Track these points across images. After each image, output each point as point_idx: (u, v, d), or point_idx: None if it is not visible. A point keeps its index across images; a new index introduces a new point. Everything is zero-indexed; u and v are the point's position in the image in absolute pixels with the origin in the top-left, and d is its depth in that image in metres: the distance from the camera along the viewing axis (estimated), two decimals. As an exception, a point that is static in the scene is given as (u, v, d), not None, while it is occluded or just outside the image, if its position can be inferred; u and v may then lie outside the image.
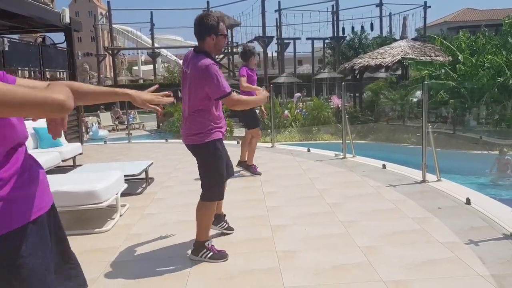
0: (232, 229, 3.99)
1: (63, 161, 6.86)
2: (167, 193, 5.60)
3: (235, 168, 6.31)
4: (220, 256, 3.40)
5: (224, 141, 3.52)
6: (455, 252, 3.29)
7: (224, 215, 3.96)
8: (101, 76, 46.57)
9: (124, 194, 4.90)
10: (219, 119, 3.36)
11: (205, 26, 3.24)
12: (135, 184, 5.80)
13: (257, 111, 6.91)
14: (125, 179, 4.98)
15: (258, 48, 31.71)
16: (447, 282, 2.86)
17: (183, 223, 4.28)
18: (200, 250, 3.37)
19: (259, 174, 6.39)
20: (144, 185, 5.89)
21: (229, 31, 32.87)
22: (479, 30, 17.25)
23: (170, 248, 3.67)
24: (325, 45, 37.31)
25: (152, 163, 6.22)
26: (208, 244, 3.40)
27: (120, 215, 4.56)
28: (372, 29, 37.39)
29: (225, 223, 3.95)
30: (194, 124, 3.28)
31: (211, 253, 3.38)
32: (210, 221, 3.50)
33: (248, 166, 6.46)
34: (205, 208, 3.39)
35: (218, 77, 3.14)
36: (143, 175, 5.80)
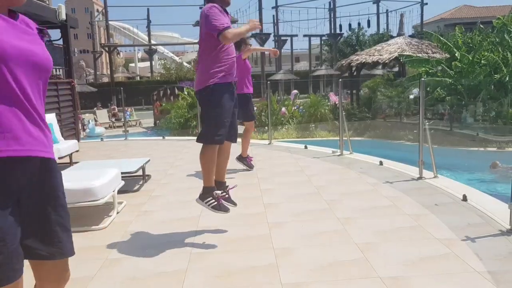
0: (234, 203, 3.90)
1: (59, 158, 6.84)
2: (164, 190, 5.59)
3: (236, 164, 6.34)
4: (222, 208, 3.62)
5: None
6: (451, 248, 3.30)
7: (226, 186, 3.92)
8: (98, 73, 46.43)
9: (121, 191, 4.89)
10: (224, 62, 3.52)
11: None
12: (132, 182, 5.79)
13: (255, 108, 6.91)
14: (122, 177, 4.97)
15: (255, 44, 31.69)
16: (444, 279, 2.87)
17: (180, 220, 4.28)
18: (207, 196, 3.57)
19: (252, 166, 6.43)
20: (141, 183, 5.88)
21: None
22: (476, 27, 17.28)
23: (167, 245, 3.66)
24: (322, 42, 37.34)
25: (149, 160, 6.21)
26: (216, 194, 3.57)
27: (117, 213, 4.55)
28: (369, 26, 37.45)
29: (224, 193, 3.87)
30: (199, 69, 3.55)
31: (215, 203, 3.57)
32: (211, 164, 3.61)
33: (242, 158, 6.46)
34: (203, 151, 3.56)
35: (210, 15, 3.41)
36: (140, 172, 5.79)
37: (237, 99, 6.28)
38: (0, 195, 1.46)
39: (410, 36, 22.82)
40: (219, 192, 3.65)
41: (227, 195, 3.89)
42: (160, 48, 48.62)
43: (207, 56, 3.54)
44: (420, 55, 14.87)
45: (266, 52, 6.90)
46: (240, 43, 6.26)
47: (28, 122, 1.50)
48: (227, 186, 3.94)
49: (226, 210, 3.65)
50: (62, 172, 5.25)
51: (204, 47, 3.56)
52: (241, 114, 6.47)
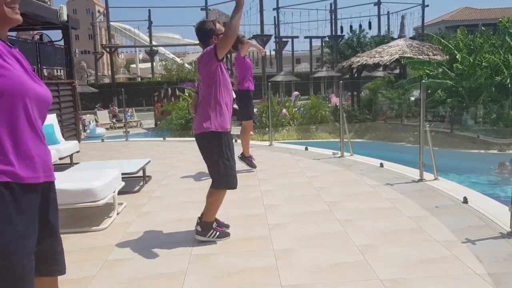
0: (226, 226, 4.01)
1: (60, 159, 6.84)
2: (165, 191, 5.59)
3: (238, 163, 6.34)
4: (225, 234, 3.75)
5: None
6: (452, 250, 3.30)
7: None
8: (99, 73, 46.48)
9: (121, 192, 4.89)
10: (223, 113, 3.58)
11: (205, 32, 3.67)
12: (133, 182, 5.79)
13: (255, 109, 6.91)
14: (122, 177, 4.97)
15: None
16: (444, 281, 2.86)
17: (180, 221, 4.28)
18: (208, 231, 3.66)
19: (255, 166, 6.44)
20: (141, 183, 5.88)
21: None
22: (477, 29, 17.27)
23: (167, 246, 3.66)
24: (323, 44, 37.33)
25: (149, 161, 6.21)
26: (215, 226, 3.70)
27: (117, 213, 4.55)
28: (370, 27, 37.44)
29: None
30: (201, 113, 3.59)
31: (218, 233, 3.69)
32: (220, 204, 3.74)
33: (244, 157, 6.48)
34: (216, 193, 3.67)
35: (206, 50, 3.57)
36: (140, 173, 5.79)
37: (238, 95, 6.36)
38: (29, 216, 1.59)
39: (411, 38, 22.84)
40: (215, 223, 3.77)
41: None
42: (161, 49, 48.66)
43: (212, 96, 3.57)
44: (421, 57, 14.87)
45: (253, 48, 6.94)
46: (236, 43, 6.26)
47: (44, 150, 1.68)
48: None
49: (228, 234, 3.78)
50: (63, 172, 5.28)
51: (209, 84, 3.57)
52: (240, 112, 6.50)
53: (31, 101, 1.60)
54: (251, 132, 7.05)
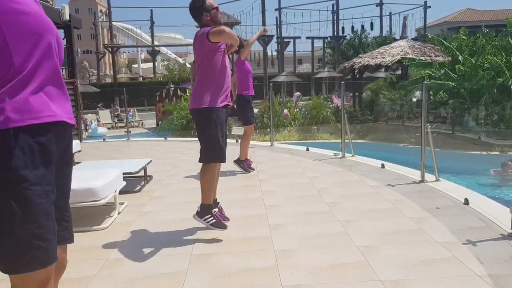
0: (227, 218, 4.07)
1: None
2: (166, 191, 5.60)
3: (233, 166, 6.34)
4: (221, 225, 3.73)
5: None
6: (453, 252, 3.29)
7: (218, 202, 4.06)
8: (101, 73, 46.52)
9: (122, 192, 4.90)
10: (220, 86, 3.66)
11: (195, 8, 3.73)
12: (134, 182, 5.80)
13: (256, 110, 6.90)
14: (124, 177, 4.98)
15: (258, 46, 31.75)
16: (445, 282, 2.86)
17: (181, 221, 4.28)
18: (206, 214, 3.68)
19: (252, 170, 6.44)
20: (142, 183, 5.88)
21: (229, 29, 32.81)
22: (479, 30, 17.26)
23: (168, 246, 3.67)
24: (325, 44, 37.34)
25: (151, 161, 6.22)
26: (214, 212, 3.70)
27: (119, 213, 4.56)
28: (372, 28, 37.51)
29: (215, 210, 3.95)
30: (195, 90, 3.69)
31: (214, 220, 3.70)
32: (212, 183, 3.76)
33: (240, 161, 6.43)
34: (205, 171, 3.70)
35: (200, 31, 3.62)
36: (141, 173, 5.79)
37: (237, 100, 6.37)
38: (48, 161, 1.48)
39: (413, 39, 22.83)
40: (216, 209, 3.79)
41: (217, 211, 4.00)
42: (163, 49, 48.69)
43: (204, 75, 3.66)
44: (423, 58, 14.86)
45: (258, 37, 6.80)
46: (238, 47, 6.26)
47: (63, 91, 1.60)
48: (218, 203, 4.08)
49: (224, 227, 3.78)
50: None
51: (202, 64, 3.67)
52: (240, 117, 6.53)
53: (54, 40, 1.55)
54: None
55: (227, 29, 3.56)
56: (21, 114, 1.40)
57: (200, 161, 3.73)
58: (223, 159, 3.77)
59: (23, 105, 1.41)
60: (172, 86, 20.71)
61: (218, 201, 4.09)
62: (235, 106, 6.04)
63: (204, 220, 3.70)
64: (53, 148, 1.50)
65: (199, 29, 3.75)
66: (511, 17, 15.02)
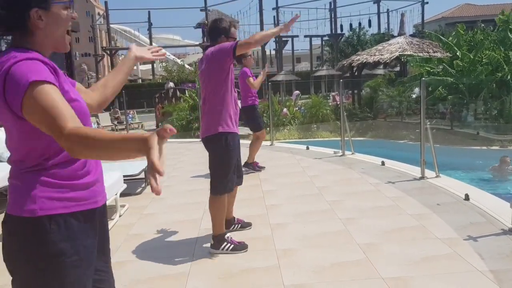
0: (249, 224, 4.04)
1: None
2: (167, 192, 5.60)
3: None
4: (241, 247, 3.52)
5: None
6: (454, 248, 3.30)
7: (234, 218, 4.02)
8: (99, 76, 46.51)
9: (123, 194, 4.90)
10: (233, 110, 3.44)
11: (218, 28, 3.47)
12: (134, 184, 5.80)
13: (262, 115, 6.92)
14: (124, 179, 4.98)
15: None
16: (446, 278, 2.87)
17: (182, 223, 4.29)
18: (221, 243, 3.47)
19: (262, 168, 6.52)
20: (143, 185, 5.89)
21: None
22: (477, 25, 17.25)
23: (169, 248, 3.67)
24: (323, 43, 37.35)
25: (151, 163, 6.21)
26: (228, 237, 3.52)
27: (120, 215, 4.57)
28: (370, 25, 37.43)
29: (236, 225, 4.00)
30: (206, 116, 3.44)
31: (232, 245, 3.49)
32: (223, 213, 3.57)
33: (248, 164, 6.50)
34: (216, 201, 3.50)
35: (226, 44, 3.30)
36: (142, 175, 5.80)
37: (243, 111, 6.42)
38: (91, 249, 1.52)
39: (411, 35, 22.83)
40: (229, 234, 3.59)
41: (239, 225, 3.98)
42: (161, 51, 48.64)
43: (218, 99, 3.37)
44: (421, 54, 14.83)
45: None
46: (240, 58, 6.26)
47: (100, 170, 1.58)
48: (235, 218, 4.02)
49: (245, 247, 3.54)
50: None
51: (214, 85, 3.37)
52: (251, 125, 6.63)
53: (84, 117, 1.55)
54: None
55: (257, 36, 3.23)
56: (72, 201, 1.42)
57: (213, 194, 3.50)
58: (232, 189, 3.62)
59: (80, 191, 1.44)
60: (171, 85, 20.59)
61: (234, 216, 4.02)
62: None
63: (222, 250, 3.46)
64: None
65: (207, 46, 3.50)
66: (501, 13, 15.00)
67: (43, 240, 1.35)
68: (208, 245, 3.66)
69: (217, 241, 3.49)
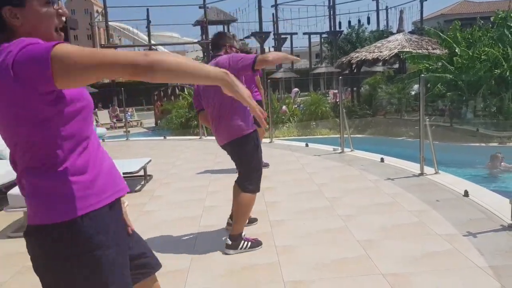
0: (255, 220, 4.05)
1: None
2: (166, 190, 5.60)
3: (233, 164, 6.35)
4: (257, 244, 3.52)
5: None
6: (453, 244, 3.30)
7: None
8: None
9: (122, 191, 4.89)
10: (250, 116, 3.43)
11: (225, 36, 3.64)
12: (134, 182, 5.80)
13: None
14: (124, 177, 4.96)
15: (255, 43, 31.69)
16: (446, 274, 2.87)
17: (182, 220, 4.29)
18: (239, 243, 3.45)
19: (267, 165, 6.50)
20: (142, 183, 5.89)
21: (225, 27, 32.81)
22: (476, 22, 17.23)
23: (169, 245, 3.68)
24: (322, 40, 37.27)
25: (150, 161, 6.22)
26: (244, 235, 3.51)
27: (119, 213, 4.56)
28: (369, 23, 37.37)
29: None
30: (230, 119, 3.38)
31: (249, 243, 3.48)
32: (250, 212, 3.62)
33: None
34: (248, 199, 3.49)
35: (241, 55, 3.34)
36: (141, 173, 5.80)
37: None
38: (121, 240, 1.50)
39: (410, 32, 22.80)
40: (243, 233, 3.56)
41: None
42: (160, 48, 48.50)
43: (233, 103, 3.32)
44: (420, 51, 14.84)
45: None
46: (242, 51, 6.26)
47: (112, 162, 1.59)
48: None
49: (260, 243, 3.53)
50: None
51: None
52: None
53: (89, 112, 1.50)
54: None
55: (271, 56, 3.26)
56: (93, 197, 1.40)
57: (249, 192, 3.46)
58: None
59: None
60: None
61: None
62: None
63: (241, 249, 3.43)
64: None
65: (216, 54, 3.58)
66: (498, 10, 15.00)
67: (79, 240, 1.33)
68: (209, 241, 3.66)
69: (235, 240, 3.43)
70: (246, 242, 3.46)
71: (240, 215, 3.49)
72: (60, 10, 1.40)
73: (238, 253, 3.40)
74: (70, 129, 1.32)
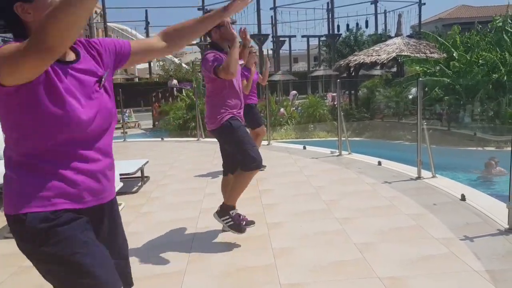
0: (252, 222, 3.95)
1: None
2: (163, 191, 5.60)
3: None
4: (239, 228, 3.60)
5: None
6: (450, 248, 3.31)
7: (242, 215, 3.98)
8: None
9: (119, 193, 4.87)
10: (232, 106, 3.59)
11: None
12: (131, 183, 5.79)
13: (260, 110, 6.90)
14: (121, 178, 4.97)
15: (253, 45, 31.65)
16: (442, 278, 2.87)
17: (179, 222, 4.28)
18: (225, 214, 3.58)
19: (263, 167, 6.49)
20: (139, 184, 5.88)
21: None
22: (474, 26, 17.30)
23: (166, 246, 3.67)
24: (321, 43, 37.31)
25: (147, 162, 6.21)
26: (232, 213, 3.59)
27: (116, 214, 4.55)
28: (367, 26, 37.39)
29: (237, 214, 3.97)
30: (208, 110, 3.66)
31: (232, 222, 3.58)
32: (243, 190, 3.67)
33: None
34: (244, 176, 3.57)
35: (209, 59, 3.48)
36: (138, 174, 5.79)
37: (244, 109, 6.42)
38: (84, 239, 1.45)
39: (408, 36, 22.85)
40: (235, 211, 3.65)
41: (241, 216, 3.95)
42: (159, 49, 48.55)
43: (214, 96, 3.62)
44: (418, 55, 14.89)
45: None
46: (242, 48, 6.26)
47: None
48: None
49: (242, 230, 3.62)
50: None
51: (208, 84, 3.65)
52: (248, 124, 6.61)
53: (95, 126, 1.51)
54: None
55: (232, 68, 3.31)
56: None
57: (244, 169, 3.54)
58: (261, 166, 3.65)
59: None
60: (175, 82, 19.75)
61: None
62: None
63: (223, 220, 3.60)
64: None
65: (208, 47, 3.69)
66: (496, 16, 15.06)
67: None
68: (205, 243, 3.66)
69: (223, 210, 3.59)
70: (230, 220, 3.58)
71: (231, 188, 3.63)
72: None
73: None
74: (28, 129, 1.36)
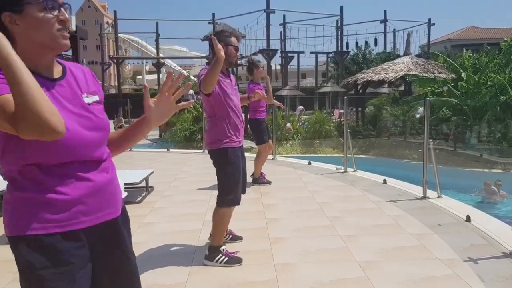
0: (239, 238, 4.03)
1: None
2: (167, 202, 5.59)
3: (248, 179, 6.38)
4: (235, 260, 3.49)
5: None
6: (454, 269, 3.27)
7: (228, 229, 3.98)
8: (105, 84, 46.82)
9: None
10: (232, 126, 3.46)
11: (217, 34, 3.43)
12: (135, 193, 5.80)
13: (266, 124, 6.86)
14: (125, 187, 4.98)
15: (262, 60, 31.85)
16: (445, 300, 2.84)
17: (182, 233, 4.27)
18: (216, 255, 3.46)
19: (269, 182, 6.51)
20: (144, 194, 5.88)
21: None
22: (482, 48, 17.32)
23: (167, 258, 3.66)
24: (329, 59, 37.48)
25: (152, 172, 6.22)
26: (223, 250, 3.50)
27: (119, 223, 4.55)
28: (376, 44, 37.55)
29: (228, 235, 3.98)
30: (208, 129, 3.56)
31: (227, 258, 3.47)
32: (226, 225, 3.62)
33: (255, 179, 6.52)
34: (221, 212, 3.51)
35: (200, 76, 3.38)
36: (143, 184, 5.80)
37: (250, 124, 6.53)
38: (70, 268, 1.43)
39: (416, 55, 22.91)
40: (224, 246, 3.57)
41: (230, 236, 3.98)
42: (168, 61, 48.93)
43: (213, 116, 3.49)
44: (426, 74, 14.89)
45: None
46: (252, 68, 6.30)
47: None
48: (229, 229, 4.00)
49: (239, 260, 3.51)
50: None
51: (209, 105, 3.50)
52: (254, 138, 6.70)
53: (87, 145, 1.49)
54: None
55: (207, 81, 3.22)
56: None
57: (218, 205, 3.52)
58: (238, 202, 3.58)
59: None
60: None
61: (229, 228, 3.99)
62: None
63: (216, 262, 3.45)
64: None
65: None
66: (508, 38, 15.07)
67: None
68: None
69: (212, 252, 3.48)
70: (223, 257, 3.47)
71: (213, 227, 3.58)
72: (61, 16, 1.37)
73: (215, 266, 3.43)
74: (12, 153, 1.34)
